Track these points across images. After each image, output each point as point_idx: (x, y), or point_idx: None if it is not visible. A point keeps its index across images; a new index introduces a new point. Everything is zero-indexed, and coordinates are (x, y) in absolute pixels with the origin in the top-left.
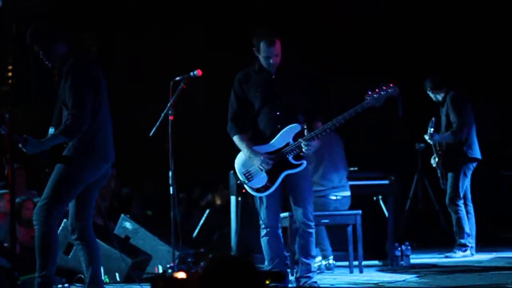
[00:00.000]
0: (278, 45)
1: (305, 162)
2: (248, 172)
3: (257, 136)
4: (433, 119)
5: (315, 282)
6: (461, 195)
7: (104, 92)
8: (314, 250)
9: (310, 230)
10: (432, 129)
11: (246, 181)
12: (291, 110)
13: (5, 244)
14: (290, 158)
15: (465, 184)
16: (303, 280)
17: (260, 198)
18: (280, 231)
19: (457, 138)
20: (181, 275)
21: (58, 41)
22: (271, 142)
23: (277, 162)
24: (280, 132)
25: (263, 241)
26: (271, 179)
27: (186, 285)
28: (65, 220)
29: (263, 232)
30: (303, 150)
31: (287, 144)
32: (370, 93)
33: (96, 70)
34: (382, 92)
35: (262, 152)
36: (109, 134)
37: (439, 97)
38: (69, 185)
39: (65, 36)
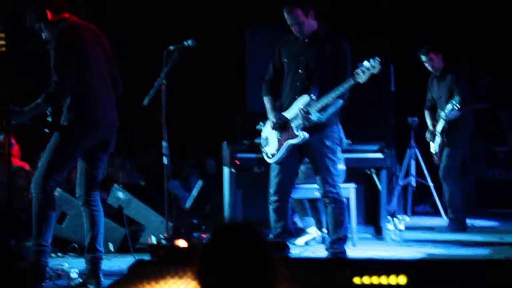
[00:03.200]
0: (298, 12)
1: (304, 135)
2: (266, 137)
3: (280, 104)
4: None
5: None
6: (457, 169)
7: (95, 56)
8: (338, 227)
9: (328, 205)
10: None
11: (263, 146)
12: (313, 82)
13: None
14: (294, 128)
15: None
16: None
17: (271, 165)
18: (287, 202)
19: (461, 113)
20: (182, 243)
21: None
22: (285, 112)
23: (284, 131)
24: (294, 103)
25: (269, 209)
26: (278, 148)
27: (187, 254)
28: (58, 189)
29: (269, 199)
30: (302, 121)
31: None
32: (358, 68)
33: (83, 34)
34: (367, 70)
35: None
36: (103, 98)
37: (429, 65)
38: (63, 153)
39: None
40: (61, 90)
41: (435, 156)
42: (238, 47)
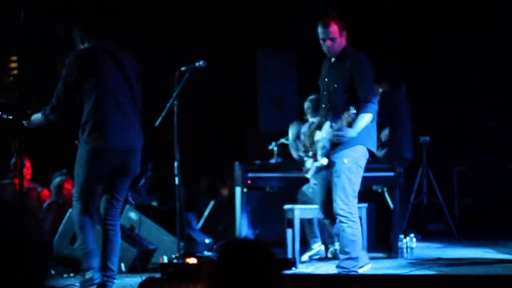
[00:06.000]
0: (334, 28)
1: (323, 162)
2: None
3: None
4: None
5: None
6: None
7: (108, 81)
8: (349, 247)
9: (341, 224)
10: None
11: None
12: (331, 107)
13: None
14: (318, 153)
15: None
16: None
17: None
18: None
19: None
20: (192, 260)
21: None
22: (318, 132)
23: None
24: (323, 125)
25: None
26: (311, 167)
27: (197, 271)
28: (70, 210)
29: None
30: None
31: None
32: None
33: (97, 60)
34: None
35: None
36: (117, 122)
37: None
38: (85, 179)
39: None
40: (55, 113)
41: None
42: (250, 67)
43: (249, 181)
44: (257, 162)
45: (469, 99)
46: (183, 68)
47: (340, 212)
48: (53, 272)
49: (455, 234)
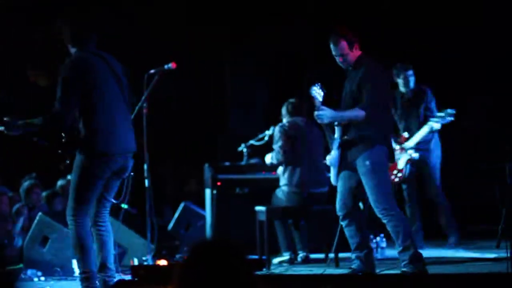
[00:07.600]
0: (343, 44)
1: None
2: None
3: None
4: None
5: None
6: None
7: (107, 87)
8: (398, 238)
9: (384, 221)
10: None
11: None
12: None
13: None
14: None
15: None
16: None
17: None
18: (354, 217)
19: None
20: (162, 262)
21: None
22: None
23: None
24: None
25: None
26: None
27: (167, 273)
28: (40, 213)
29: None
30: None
31: None
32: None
33: (92, 66)
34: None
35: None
36: (118, 128)
37: (411, 81)
38: (84, 186)
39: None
40: (61, 120)
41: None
42: (220, 70)
43: (218, 183)
44: (227, 164)
45: (443, 96)
46: (152, 71)
47: (377, 211)
48: (23, 276)
49: (424, 233)
